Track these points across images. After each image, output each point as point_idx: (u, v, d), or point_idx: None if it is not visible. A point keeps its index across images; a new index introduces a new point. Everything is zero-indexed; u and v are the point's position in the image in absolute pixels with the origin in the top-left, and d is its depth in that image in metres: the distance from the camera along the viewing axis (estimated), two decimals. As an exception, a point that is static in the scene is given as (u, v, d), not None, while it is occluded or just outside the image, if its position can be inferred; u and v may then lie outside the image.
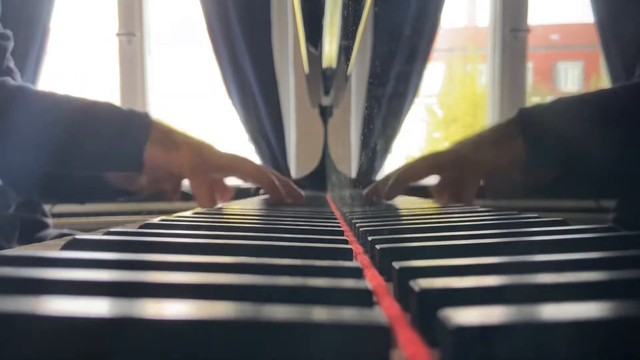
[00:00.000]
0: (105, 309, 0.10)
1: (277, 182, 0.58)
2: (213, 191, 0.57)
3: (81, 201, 0.80)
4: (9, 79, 0.53)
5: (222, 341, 0.10)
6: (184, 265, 0.17)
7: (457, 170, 0.55)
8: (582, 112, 0.52)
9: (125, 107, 0.55)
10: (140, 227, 0.28)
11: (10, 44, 0.68)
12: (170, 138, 0.55)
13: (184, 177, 0.57)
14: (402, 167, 0.58)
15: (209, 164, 0.56)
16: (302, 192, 0.62)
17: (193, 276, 0.14)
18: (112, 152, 0.53)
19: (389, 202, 0.57)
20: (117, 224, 0.31)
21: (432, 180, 0.61)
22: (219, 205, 0.57)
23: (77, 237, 0.21)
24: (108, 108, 0.54)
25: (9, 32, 0.67)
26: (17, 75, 0.68)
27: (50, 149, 0.51)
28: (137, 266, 0.16)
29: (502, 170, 0.55)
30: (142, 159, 0.53)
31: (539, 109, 0.55)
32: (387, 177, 0.59)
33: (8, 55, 0.67)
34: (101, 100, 0.55)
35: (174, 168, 0.55)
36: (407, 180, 0.56)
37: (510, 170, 0.55)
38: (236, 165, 0.58)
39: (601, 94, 0.55)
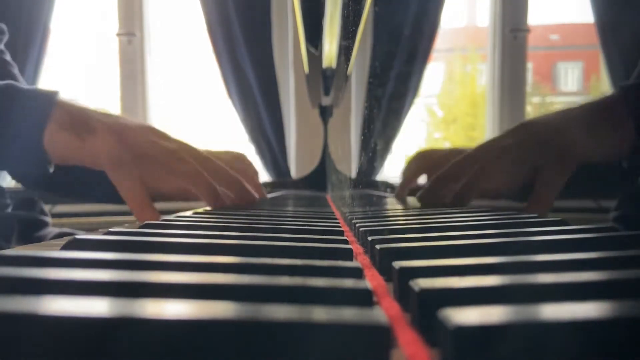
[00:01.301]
0: (106, 309, 0.10)
1: (218, 189, 0.45)
2: (146, 192, 0.44)
3: (86, 200, 0.68)
4: None
5: (223, 341, 0.10)
6: (184, 265, 0.17)
7: (540, 159, 0.43)
8: None
9: (120, 107, 0.47)
10: (141, 227, 0.28)
11: (4, 38, 0.65)
12: (82, 119, 0.42)
13: (105, 171, 0.43)
14: (474, 168, 0.44)
15: (135, 154, 0.43)
16: (256, 195, 0.49)
17: (193, 276, 0.14)
18: (3, 140, 0.41)
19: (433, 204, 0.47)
20: (117, 223, 0.31)
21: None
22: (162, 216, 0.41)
23: (77, 237, 0.21)
24: (2, 87, 0.43)
25: (3, 26, 0.65)
26: (15, 68, 0.65)
27: None
28: (137, 266, 0.16)
29: (603, 161, 0.43)
30: (42, 146, 0.41)
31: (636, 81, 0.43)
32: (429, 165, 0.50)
33: (2, 47, 0.64)
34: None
35: (88, 159, 0.43)
36: (482, 182, 0.43)
37: (612, 161, 0.43)
38: (168, 159, 0.43)
39: None
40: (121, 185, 0.43)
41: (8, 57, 0.65)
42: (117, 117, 0.45)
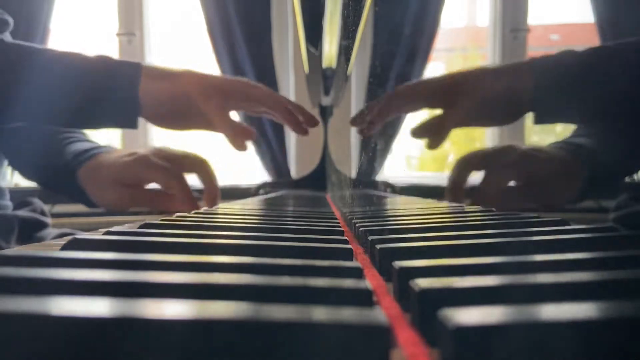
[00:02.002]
0: (106, 308, 0.10)
1: (291, 108, 0.54)
2: (230, 118, 0.52)
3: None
4: None
5: (223, 341, 0.10)
6: (184, 265, 0.17)
7: (451, 94, 0.51)
8: (588, 63, 0.50)
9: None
10: (140, 227, 0.28)
11: (9, 27, 0.66)
12: (168, 71, 0.51)
13: (194, 104, 0.51)
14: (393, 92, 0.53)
15: (220, 87, 0.51)
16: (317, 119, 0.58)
17: (193, 276, 0.14)
18: (105, 95, 0.49)
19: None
20: (116, 223, 0.31)
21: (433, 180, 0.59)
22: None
23: (77, 236, 0.21)
24: (97, 57, 0.51)
25: (8, 17, 0.66)
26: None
27: (40, 103, 0.49)
28: (137, 266, 0.16)
29: (503, 95, 0.50)
30: (138, 98, 0.49)
31: (547, 56, 0.52)
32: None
33: (8, 36, 0.66)
34: (91, 54, 0.52)
35: (182, 98, 0.50)
36: (395, 106, 0.53)
37: (512, 95, 0.50)
38: (247, 88, 0.52)
39: (607, 49, 0.54)
40: (213, 115, 0.50)
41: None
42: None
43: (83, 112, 0.50)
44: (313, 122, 0.56)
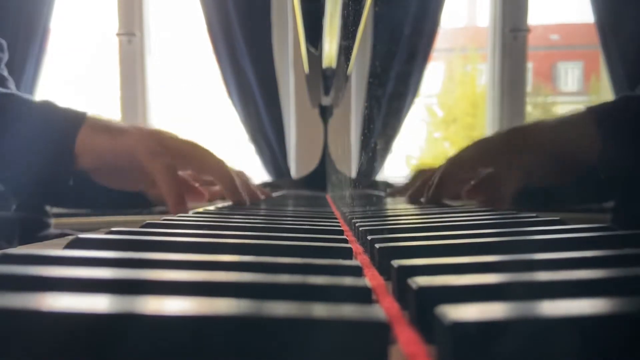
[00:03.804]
0: (109, 306, 0.11)
1: (238, 183, 0.50)
2: (177, 180, 0.47)
3: (89, 207, 0.71)
4: None
5: (224, 337, 0.10)
6: (185, 264, 0.17)
7: (514, 154, 0.46)
8: None
9: (120, 107, 0.51)
10: (142, 227, 0.28)
11: (5, 56, 0.65)
12: (113, 124, 0.47)
13: (140, 165, 0.47)
14: (446, 162, 0.49)
15: (168, 147, 0.47)
16: (262, 195, 0.54)
17: (194, 274, 0.14)
18: (36, 143, 0.45)
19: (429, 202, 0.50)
20: (117, 223, 0.32)
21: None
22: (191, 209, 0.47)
23: (80, 236, 0.21)
24: (41, 102, 0.47)
25: (4, 43, 0.65)
26: (12, 83, 0.66)
27: None
28: (139, 264, 0.17)
29: (570, 155, 0.46)
30: (73, 148, 0.45)
31: (606, 104, 0.47)
32: (427, 176, 0.52)
33: (2, 66, 0.65)
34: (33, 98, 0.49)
35: (123, 155, 0.46)
36: (453, 177, 0.48)
37: (579, 157, 0.46)
38: (197, 153, 0.48)
39: None
40: (159, 175, 0.46)
41: (6, 72, 0.65)
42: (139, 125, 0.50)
43: (16, 159, 0.46)
44: (254, 199, 0.53)
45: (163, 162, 0.46)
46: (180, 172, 0.50)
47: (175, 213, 0.44)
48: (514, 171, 0.46)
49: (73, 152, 0.45)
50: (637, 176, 0.46)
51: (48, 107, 0.47)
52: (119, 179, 0.52)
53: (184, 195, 0.47)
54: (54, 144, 0.45)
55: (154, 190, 0.52)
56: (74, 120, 0.46)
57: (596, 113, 0.45)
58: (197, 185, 0.54)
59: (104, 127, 0.46)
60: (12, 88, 0.64)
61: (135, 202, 0.56)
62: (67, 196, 0.56)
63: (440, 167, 0.50)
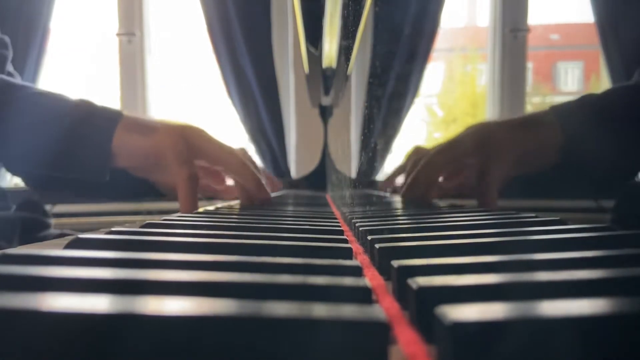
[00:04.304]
0: (109, 306, 0.11)
1: (264, 181, 0.52)
2: (196, 190, 0.49)
3: (94, 195, 0.69)
4: None
5: (224, 337, 0.10)
6: (185, 264, 0.17)
7: (482, 154, 0.49)
8: (608, 109, 0.49)
9: (120, 106, 0.52)
10: (142, 227, 0.28)
11: (10, 53, 0.66)
12: (145, 124, 0.49)
13: (166, 164, 0.48)
14: (422, 163, 0.51)
15: (194, 148, 0.48)
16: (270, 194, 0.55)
17: (194, 274, 0.14)
18: (75, 143, 0.47)
19: (400, 201, 0.53)
20: (117, 224, 0.32)
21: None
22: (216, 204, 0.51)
23: (80, 236, 0.21)
24: (78, 101, 0.49)
25: (7, 40, 0.66)
26: (18, 77, 0.67)
27: (11, 143, 0.47)
28: (139, 264, 0.17)
29: (534, 155, 0.49)
30: (110, 148, 0.47)
31: (568, 103, 0.51)
32: (418, 158, 0.53)
33: (9, 62, 0.66)
34: (73, 97, 0.50)
35: (153, 154, 0.48)
36: (427, 181, 0.50)
37: (542, 157, 0.49)
38: (223, 156, 0.50)
39: (623, 92, 0.52)
40: (181, 183, 0.48)
41: (11, 68, 0.66)
42: (171, 120, 0.51)
43: (54, 157, 0.48)
44: (262, 200, 0.54)
45: (188, 171, 0.48)
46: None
47: (184, 212, 0.46)
48: (494, 164, 0.48)
49: (110, 150, 0.48)
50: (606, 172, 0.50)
51: (87, 108, 0.49)
52: (151, 172, 0.53)
53: (197, 206, 0.49)
54: (93, 143, 0.47)
55: (164, 180, 0.54)
56: (111, 123, 0.47)
57: (558, 111, 0.49)
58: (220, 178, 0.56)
59: (136, 126, 0.48)
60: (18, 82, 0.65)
61: (148, 192, 0.57)
62: (98, 190, 0.57)
63: (422, 160, 0.52)
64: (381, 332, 0.10)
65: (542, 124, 0.49)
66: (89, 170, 0.49)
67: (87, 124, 0.47)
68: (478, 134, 0.50)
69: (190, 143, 0.49)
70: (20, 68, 1.23)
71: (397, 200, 0.60)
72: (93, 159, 0.48)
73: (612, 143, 0.47)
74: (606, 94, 0.52)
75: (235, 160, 0.51)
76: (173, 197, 0.52)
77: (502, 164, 0.49)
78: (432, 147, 0.54)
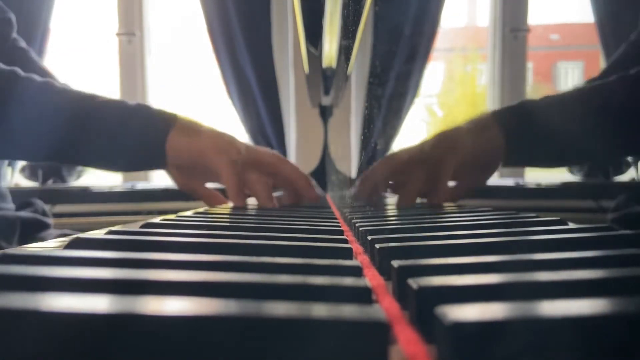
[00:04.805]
0: (109, 306, 0.11)
1: (313, 182, 0.56)
2: (242, 184, 0.52)
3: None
4: (19, 71, 0.51)
5: (224, 337, 0.10)
6: (185, 264, 0.17)
7: (423, 166, 0.53)
8: (566, 107, 0.52)
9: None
10: (142, 227, 0.28)
11: (14, 26, 0.68)
12: (194, 128, 0.53)
13: (210, 164, 0.52)
14: (367, 171, 0.56)
15: (238, 148, 0.52)
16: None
17: (194, 274, 0.14)
18: (136, 144, 0.52)
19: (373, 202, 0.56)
20: (117, 224, 0.32)
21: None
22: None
23: (80, 236, 0.21)
24: (136, 105, 0.53)
25: (11, 15, 0.68)
26: (31, 52, 0.70)
27: (78, 146, 0.51)
28: (139, 264, 0.17)
29: (476, 159, 0.53)
30: (165, 150, 0.51)
31: (519, 105, 0.54)
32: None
33: (15, 35, 0.68)
34: (131, 102, 0.54)
35: (196, 153, 0.52)
36: (371, 186, 0.55)
37: (484, 160, 0.53)
38: (277, 162, 0.54)
39: (586, 90, 0.54)
40: (223, 168, 0.51)
41: (23, 43, 0.68)
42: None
43: (114, 157, 0.53)
44: (310, 198, 0.58)
45: (228, 157, 0.52)
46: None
47: (234, 203, 0.52)
48: (443, 170, 0.52)
49: (165, 152, 0.51)
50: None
51: (144, 112, 0.53)
52: (194, 175, 0.56)
53: (243, 189, 0.52)
54: (150, 148, 0.52)
55: (203, 180, 0.57)
56: (166, 126, 0.52)
57: (499, 115, 0.53)
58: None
59: (186, 131, 0.52)
60: (32, 57, 0.68)
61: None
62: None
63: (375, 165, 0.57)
64: (381, 332, 0.10)
65: (483, 128, 0.52)
66: (147, 168, 0.55)
67: (145, 128, 0.52)
68: (426, 144, 0.54)
69: (231, 141, 0.53)
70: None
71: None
72: (150, 161, 0.53)
73: (554, 140, 0.50)
74: (546, 97, 0.54)
75: (289, 166, 0.55)
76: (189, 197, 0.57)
77: (445, 173, 0.52)
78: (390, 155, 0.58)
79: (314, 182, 0.58)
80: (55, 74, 0.75)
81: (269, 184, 0.54)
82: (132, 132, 0.52)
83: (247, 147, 0.54)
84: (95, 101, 0.52)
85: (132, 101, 0.54)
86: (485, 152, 0.52)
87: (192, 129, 0.53)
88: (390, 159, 0.57)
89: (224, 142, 0.53)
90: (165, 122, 0.52)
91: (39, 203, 0.71)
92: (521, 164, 0.55)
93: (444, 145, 0.53)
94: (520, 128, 0.51)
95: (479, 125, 0.53)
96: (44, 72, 0.70)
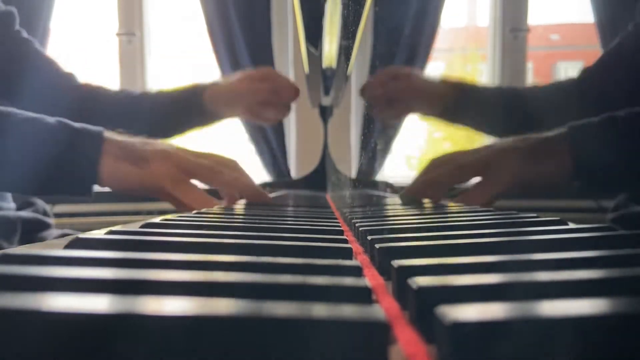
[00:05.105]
0: (109, 306, 0.11)
1: (259, 189, 0.55)
2: (206, 197, 0.52)
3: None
4: None
5: (224, 337, 0.10)
6: (185, 264, 0.17)
7: (485, 176, 0.51)
8: (631, 133, 0.48)
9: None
10: (142, 227, 0.28)
11: (17, 19, 0.69)
12: (131, 150, 0.49)
13: (165, 191, 0.51)
14: (422, 173, 0.54)
15: (188, 172, 0.51)
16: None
17: (194, 274, 0.14)
18: (60, 171, 0.47)
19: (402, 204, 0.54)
20: (117, 224, 0.32)
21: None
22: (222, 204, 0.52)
23: (80, 236, 0.21)
24: (56, 124, 0.48)
25: (13, 9, 0.69)
26: (35, 43, 0.71)
27: None
28: (139, 264, 0.17)
29: (537, 187, 0.51)
30: (97, 179, 0.48)
31: (589, 125, 0.50)
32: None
33: (17, 26, 0.69)
34: (50, 118, 0.49)
35: (149, 184, 0.49)
36: (426, 190, 0.52)
37: (545, 189, 0.52)
38: (210, 173, 0.52)
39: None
40: (187, 199, 0.50)
41: (25, 34, 0.69)
42: (154, 142, 0.52)
43: (39, 183, 0.48)
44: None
45: (185, 187, 0.51)
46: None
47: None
48: (497, 184, 0.51)
49: (96, 179, 0.48)
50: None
51: (66, 131, 0.48)
52: (142, 193, 0.55)
53: (207, 202, 0.51)
54: (79, 172, 0.48)
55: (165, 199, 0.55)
56: (94, 149, 0.47)
57: (569, 134, 0.49)
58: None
59: (123, 155, 0.48)
60: (36, 48, 0.71)
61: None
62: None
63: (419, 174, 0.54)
64: (381, 332, 0.10)
65: (554, 153, 0.49)
66: (76, 193, 0.49)
67: (70, 149, 0.47)
68: (485, 158, 0.52)
69: (180, 167, 0.51)
70: (20, 68, 1.23)
71: (397, 201, 0.60)
72: (79, 185, 0.49)
73: (629, 170, 0.47)
74: (627, 118, 0.49)
75: (227, 178, 0.52)
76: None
77: (502, 187, 0.51)
78: (444, 159, 0.55)
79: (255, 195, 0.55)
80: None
81: (204, 194, 0.52)
82: (52, 154, 0.46)
83: (188, 163, 0.51)
84: (12, 119, 0.47)
85: (50, 117, 0.49)
86: (547, 180, 0.50)
87: (127, 151, 0.49)
88: (454, 160, 0.54)
89: (174, 168, 0.50)
90: (93, 143, 0.47)
91: (40, 203, 0.71)
92: (594, 185, 0.50)
93: (502, 166, 0.51)
94: (594, 157, 0.47)
95: (542, 139, 0.50)
96: (48, 62, 0.71)
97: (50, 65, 0.69)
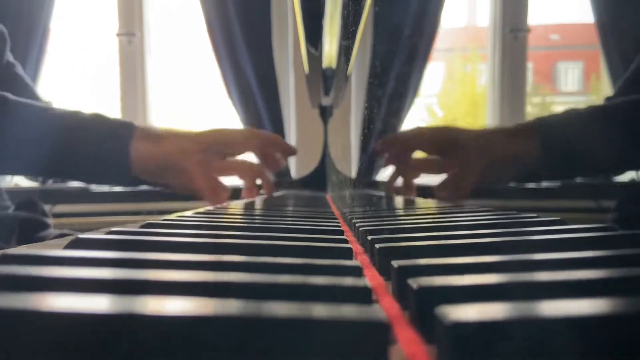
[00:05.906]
0: (109, 306, 0.11)
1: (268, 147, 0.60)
2: (217, 181, 0.55)
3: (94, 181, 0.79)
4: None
5: (224, 337, 0.10)
6: (185, 264, 0.17)
7: (461, 148, 0.55)
8: (592, 123, 0.54)
9: (121, 106, 0.58)
10: (142, 227, 0.28)
11: (8, 42, 0.69)
12: (154, 133, 0.55)
13: (179, 166, 0.55)
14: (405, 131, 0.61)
15: (199, 142, 0.55)
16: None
17: (194, 274, 0.14)
18: (98, 157, 0.53)
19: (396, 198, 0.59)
20: (117, 224, 0.32)
21: (434, 179, 0.61)
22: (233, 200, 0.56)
23: (80, 236, 0.21)
24: (94, 117, 0.54)
25: (3, 28, 0.69)
26: (18, 67, 0.70)
27: (36, 159, 0.52)
28: (139, 264, 0.17)
29: (510, 160, 0.54)
30: (129, 158, 0.53)
31: (553, 116, 0.56)
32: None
33: (7, 51, 0.69)
34: (86, 111, 0.55)
35: (161, 157, 0.54)
36: (402, 141, 0.58)
37: (516, 162, 0.55)
38: (223, 136, 0.56)
39: (608, 108, 0.56)
40: (194, 170, 0.53)
41: (19, 69, 0.70)
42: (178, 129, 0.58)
43: (78, 170, 0.55)
44: (290, 152, 0.63)
45: (196, 158, 0.53)
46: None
47: (212, 204, 0.53)
48: (472, 170, 0.54)
49: (129, 162, 0.53)
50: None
51: (101, 122, 0.54)
52: (165, 178, 0.58)
53: (217, 187, 0.55)
54: (113, 157, 0.53)
55: (177, 183, 0.59)
56: (127, 133, 0.53)
57: (537, 123, 0.54)
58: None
59: (147, 137, 0.54)
60: (19, 72, 0.68)
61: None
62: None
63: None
64: (381, 332, 0.10)
65: (522, 134, 0.54)
66: (112, 180, 0.56)
67: (106, 138, 0.53)
68: (461, 136, 0.56)
69: (192, 138, 0.54)
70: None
71: (397, 201, 0.60)
72: (116, 170, 0.53)
73: (590, 161, 0.53)
74: (589, 111, 0.56)
75: (241, 137, 0.57)
76: (188, 197, 0.59)
77: (476, 166, 0.54)
78: (428, 128, 0.62)
79: (273, 143, 0.60)
80: (55, 74, 0.75)
81: (210, 171, 0.55)
82: (91, 144, 0.52)
83: (199, 135, 0.55)
84: (50, 113, 0.53)
85: (87, 111, 0.55)
86: (517, 156, 0.54)
87: (152, 134, 0.54)
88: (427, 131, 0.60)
89: (187, 141, 0.54)
90: (125, 131, 0.53)
91: (38, 203, 0.71)
92: (558, 174, 0.58)
93: (476, 145, 0.55)
94: (557, 137, 0.52)
95: (516, 131, 0.55)
96: (36, 98, 0.71)
97: (29, 93, 0.70)
